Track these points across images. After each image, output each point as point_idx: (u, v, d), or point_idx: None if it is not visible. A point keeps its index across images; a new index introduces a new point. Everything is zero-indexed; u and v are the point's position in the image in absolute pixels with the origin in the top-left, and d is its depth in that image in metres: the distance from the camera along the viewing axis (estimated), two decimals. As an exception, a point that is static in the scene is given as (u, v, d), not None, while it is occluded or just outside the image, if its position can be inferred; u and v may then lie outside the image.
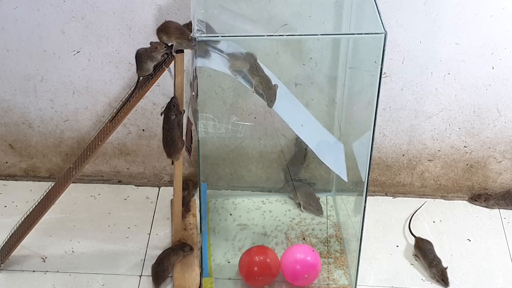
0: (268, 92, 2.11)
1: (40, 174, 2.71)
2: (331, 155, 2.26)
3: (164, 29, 2.05)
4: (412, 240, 2.50)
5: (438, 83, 2.47)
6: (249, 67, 2.07)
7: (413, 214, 2.57)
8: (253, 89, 2.10)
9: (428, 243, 2.43)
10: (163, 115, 2.15)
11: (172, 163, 2.27)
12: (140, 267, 2.40)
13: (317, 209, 2.58)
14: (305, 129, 2.21)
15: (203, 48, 1.98)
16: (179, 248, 2.37)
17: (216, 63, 2.05)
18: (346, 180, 2.28)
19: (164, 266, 2.33)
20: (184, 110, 2.16)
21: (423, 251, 2.40)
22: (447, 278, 2.34)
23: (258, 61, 2.08)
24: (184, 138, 2.20)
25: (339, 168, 2.26)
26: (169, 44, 2.05)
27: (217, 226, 2.55)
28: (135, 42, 2.40)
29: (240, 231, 2.53)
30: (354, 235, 2.31)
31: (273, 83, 2.11)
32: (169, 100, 2.13)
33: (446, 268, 2.35)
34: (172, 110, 2.13)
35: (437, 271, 2.35)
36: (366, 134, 2.10)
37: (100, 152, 2.63)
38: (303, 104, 2.49)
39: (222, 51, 2.03)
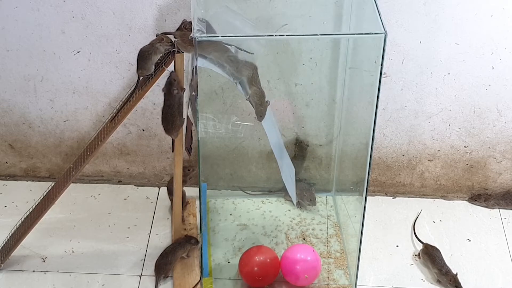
0: (258, 107, 2.12)
1: (40, 174, 2.71)
2: (287, 177, 2.38)
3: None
4: (412, 241, 2.50)
5: (438, 83, 2.47)
6: (250, 76, 2.08)
7: (415, 222, 2.57)
8: (247, 97, 2.11)
9: (436, 250, 2.41)
10: (163, 92, 2.13)
11: (173, 149, 2.25)
12: (140, 267, 2.40)
13: (310, 200, 2.57)
14: (278, 149, 2.32)
15: (203, 47, 1.98)
16: (186, 241, 2.36)
17: (216, 64, 2.06)
18: (294, 203, 2.56)
19: (167, 259, 2.33)
20: (184, 88, 2.14)
21: (433, 258, 2.39)
22: (459, 283, 2.33)
23: (258, 73, 2.10)
24: (185, 124, 2.19)
25: (290, 190, 2.45)
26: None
27: (217, 226, 2.55)
28: (135, 42, 2.40)
29: (240, 231, 2.53)
30: (354, 235, 2.31)
31: (266, 100, 2.14)
32: (168, 76, 2.11)
33: (456, 274, 2.34)
34: (173, 85, 2.11)
35: (449, 279, 2.33)
36: (366, 134, 2.10)
37: (100, 152, 2.63)
38: (303, 104, 2.50)
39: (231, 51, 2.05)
